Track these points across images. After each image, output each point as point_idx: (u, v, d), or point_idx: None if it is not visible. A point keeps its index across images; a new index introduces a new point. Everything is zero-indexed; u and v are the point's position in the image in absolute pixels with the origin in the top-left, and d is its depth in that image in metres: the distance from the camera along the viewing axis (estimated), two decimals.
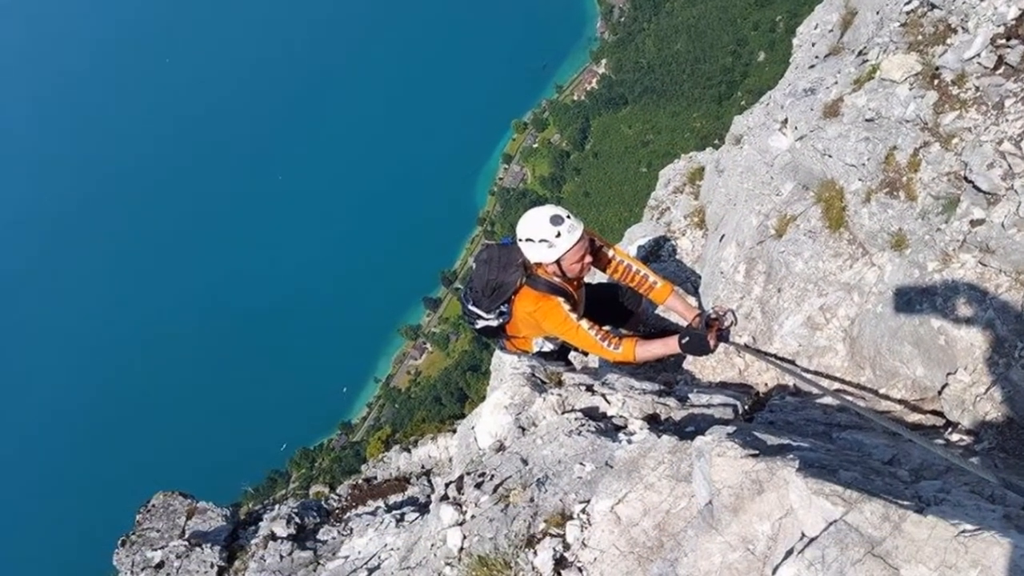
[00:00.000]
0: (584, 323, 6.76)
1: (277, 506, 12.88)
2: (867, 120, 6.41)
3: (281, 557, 10.74)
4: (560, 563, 4.60)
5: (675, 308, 7.28)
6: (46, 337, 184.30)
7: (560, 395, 6.70)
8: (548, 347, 7.91)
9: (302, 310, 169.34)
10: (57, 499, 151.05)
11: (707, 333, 6.43)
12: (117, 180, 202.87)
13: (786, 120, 8.08)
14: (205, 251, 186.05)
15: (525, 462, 5.88)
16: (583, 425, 6.02)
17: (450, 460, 13.95)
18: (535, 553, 4.78)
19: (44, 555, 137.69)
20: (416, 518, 10.60)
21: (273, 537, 11.20)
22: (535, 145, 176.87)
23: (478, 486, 5.88)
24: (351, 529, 11.51)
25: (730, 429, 4.61)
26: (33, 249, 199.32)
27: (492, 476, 5.91)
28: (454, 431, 15.31)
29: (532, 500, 5.29)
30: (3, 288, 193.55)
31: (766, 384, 7.18)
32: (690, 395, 6.75)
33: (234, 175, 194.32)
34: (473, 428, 7.13)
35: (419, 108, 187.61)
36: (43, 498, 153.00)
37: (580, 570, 4.48)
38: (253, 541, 11.40)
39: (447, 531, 5.66)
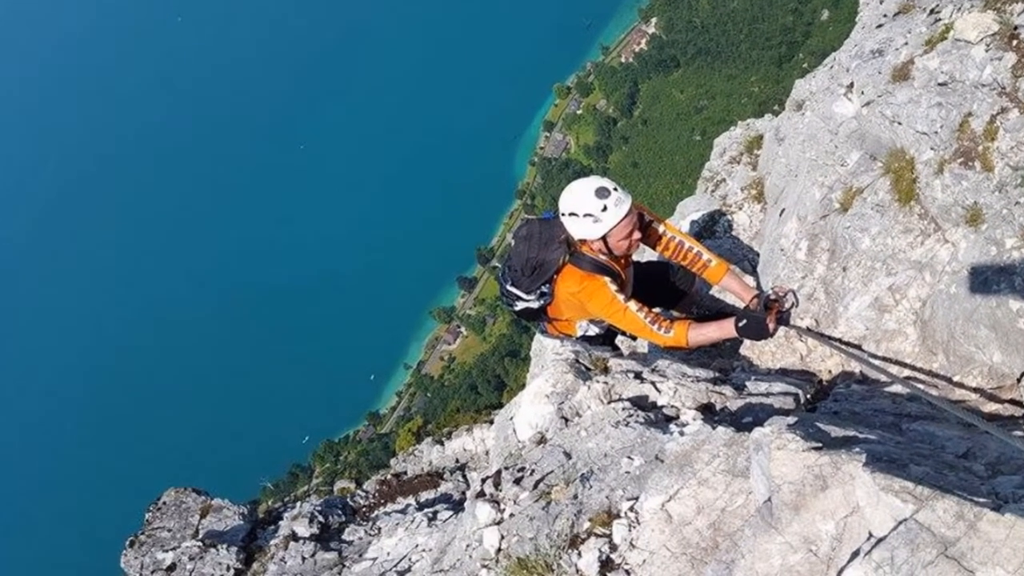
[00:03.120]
0: (632, 305, 6.75)
1: (299, 503, 12.93)
2: (940, 84, 6.38)
3: (303, 559, 10.80)
4: (606, 565, 4.62)
5: (731, 288, 7.27)
6: (50, 317, 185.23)
7: (606, 383, 6.71)
8: (593, 331, 7.93)
9: (326, 291, 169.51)
10: (60, 496, 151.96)
11: (766, 316, 6.42)
12: (123, 150, 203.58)
13: (852, 84, 8.04)
14: (221, 226, 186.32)
15: (568, 456, 5.90)
16: (631, 416, 6.03)
17: (487, 454, 14.01)
18: (579, 555, 4.79)
19: (46, 556, 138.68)
20: (450, 517, 10.64)
21: (294, 537, 11.27)
22: (579, 111, 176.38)
23: (517, 482, 5.91)
24: (379, 529, 11.56)
25: (791, 420, 4.62)
26: (37, 223, 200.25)
27: (532, 471, 5.93)
28: (491, 422, 15.36)
29: (576, 497, 5.31)
30: (4, 263, 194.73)
31: (830, 371, 7.18)
32: (747, 383, 6.75)
33: (252, 143, 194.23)
34: (512, 419, 7.16)
35: (453, 71, 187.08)
36: (45, 494, 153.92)
37: (628, 573, 4.49)
38: (273, 541, 11.45)
39: (483, 531, 5.68)
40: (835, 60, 9.80)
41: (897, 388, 6.06)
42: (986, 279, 5.44)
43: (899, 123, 6.67)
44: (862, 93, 7.62)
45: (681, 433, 5.41)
